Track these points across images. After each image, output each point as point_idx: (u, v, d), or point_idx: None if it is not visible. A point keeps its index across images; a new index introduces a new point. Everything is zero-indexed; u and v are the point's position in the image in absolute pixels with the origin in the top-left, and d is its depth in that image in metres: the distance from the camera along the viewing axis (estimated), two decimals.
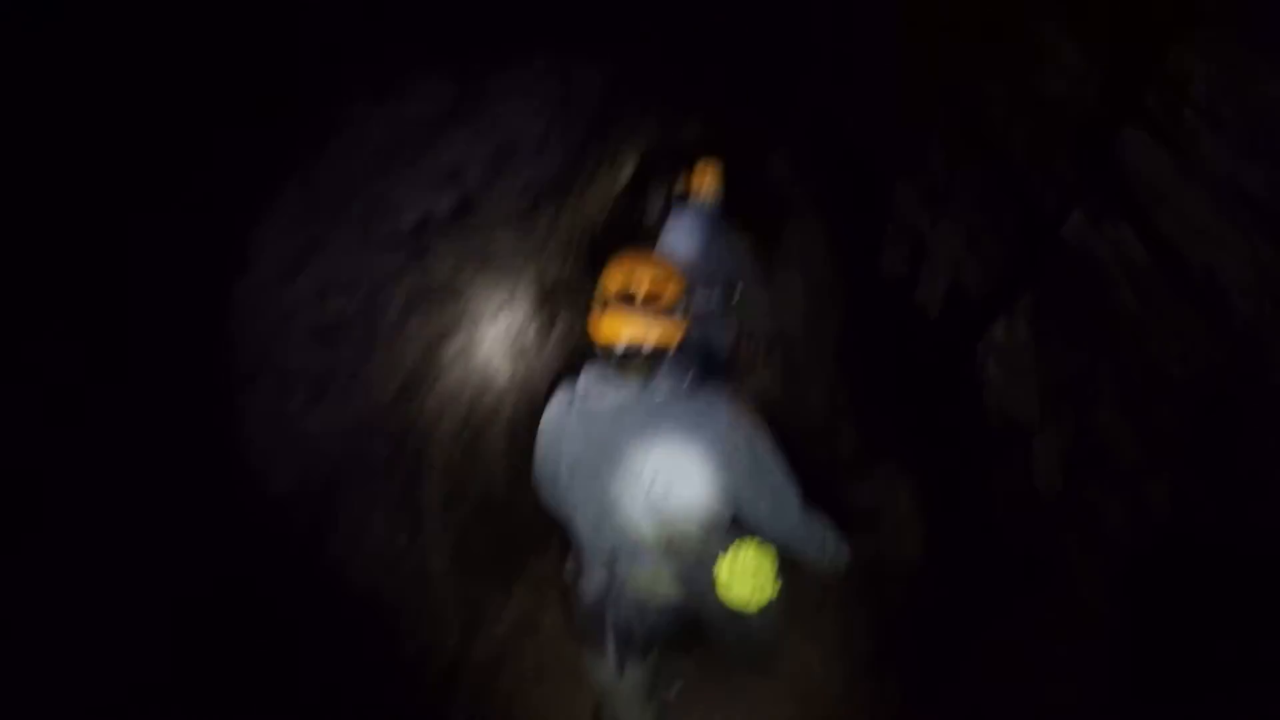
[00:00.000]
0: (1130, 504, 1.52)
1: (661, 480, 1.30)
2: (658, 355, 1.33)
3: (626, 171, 4.28)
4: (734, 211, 3.47)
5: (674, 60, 3.30)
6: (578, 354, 3.52)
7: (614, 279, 1.34)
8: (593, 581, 1.50)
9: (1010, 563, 1.97)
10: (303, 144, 1.65)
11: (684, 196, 3.49)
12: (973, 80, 2.00)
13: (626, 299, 1.32)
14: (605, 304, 1.33)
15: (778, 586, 1.32)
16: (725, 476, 1.30)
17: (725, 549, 1.33)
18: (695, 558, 1.37)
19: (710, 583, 1.33)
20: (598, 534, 1.42)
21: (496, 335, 2.64)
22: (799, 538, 1.40)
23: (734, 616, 1.37)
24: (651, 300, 1.32)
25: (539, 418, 1.47)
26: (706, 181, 3.34)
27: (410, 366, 2.20)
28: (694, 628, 1.56)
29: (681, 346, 1.38)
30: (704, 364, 3.25)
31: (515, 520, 2.90)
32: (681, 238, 3.25)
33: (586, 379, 1.39)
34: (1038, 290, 1.79)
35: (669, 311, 1.34)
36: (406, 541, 2.15)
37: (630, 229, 4.92)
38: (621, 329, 1.31)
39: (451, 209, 2.01)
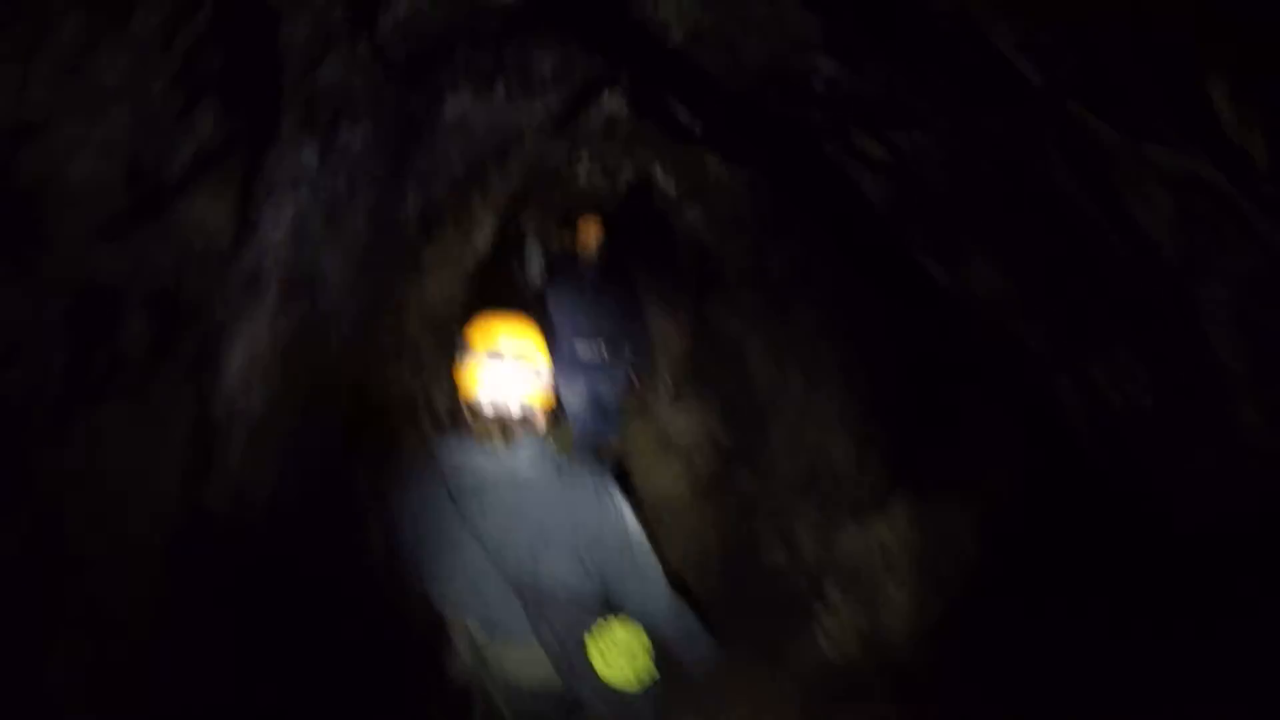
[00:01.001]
0: None
1: (529, 556, 1.32)
2: (525, 421, 1.36)
3: (485, 233, 3.54)
4: (615, 264, 3.47)
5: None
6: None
7: (481, 337, 1.36)
8: (459, 665, 1.46)
9: None
10: None
11: (568, 254, 3.51)
12: None
13: (494, 356, 1.35)
14: (472, 359, 1.34)
15: (653, 666, 1.35)
16: (594, 553, 1.33)
17: (594, 629, 1.33)
18: (567, 637, 1.33)
19: (586, 663, 1.32)
20: (463, 611, 1.41)
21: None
22: (664, 620, 1.42)
23: (615, 697, 1.34)
24: (519, 360, 1.35)
25: None
26: (590, 237, 3.33)
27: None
28: (574, 710, 1.43)
29: (552, 411, 1.39)
30: (594, 416, 3.40)
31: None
32: (568, 295, 3.30)
33: (448, 448, 1.38)
34: None
35: (536, 374, 1.37)
36: None
37: (511, 297, 4.26)
38: (491, 384, 1.33)
39: None
